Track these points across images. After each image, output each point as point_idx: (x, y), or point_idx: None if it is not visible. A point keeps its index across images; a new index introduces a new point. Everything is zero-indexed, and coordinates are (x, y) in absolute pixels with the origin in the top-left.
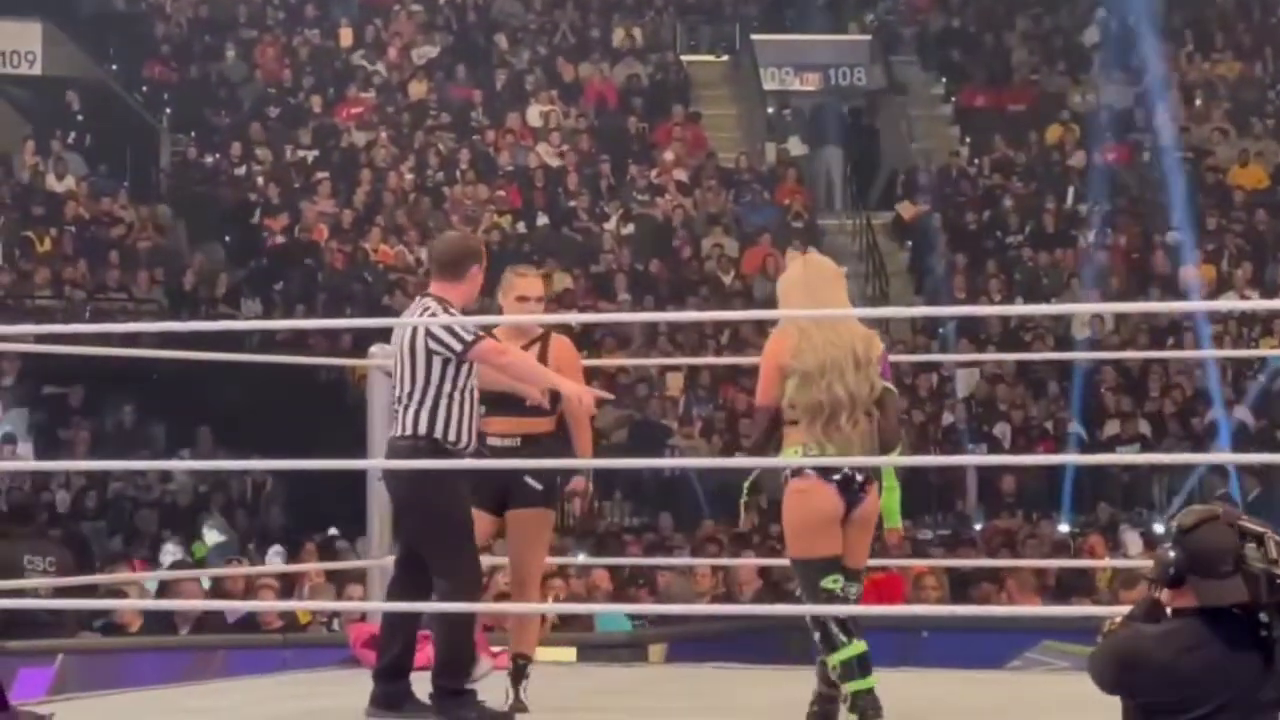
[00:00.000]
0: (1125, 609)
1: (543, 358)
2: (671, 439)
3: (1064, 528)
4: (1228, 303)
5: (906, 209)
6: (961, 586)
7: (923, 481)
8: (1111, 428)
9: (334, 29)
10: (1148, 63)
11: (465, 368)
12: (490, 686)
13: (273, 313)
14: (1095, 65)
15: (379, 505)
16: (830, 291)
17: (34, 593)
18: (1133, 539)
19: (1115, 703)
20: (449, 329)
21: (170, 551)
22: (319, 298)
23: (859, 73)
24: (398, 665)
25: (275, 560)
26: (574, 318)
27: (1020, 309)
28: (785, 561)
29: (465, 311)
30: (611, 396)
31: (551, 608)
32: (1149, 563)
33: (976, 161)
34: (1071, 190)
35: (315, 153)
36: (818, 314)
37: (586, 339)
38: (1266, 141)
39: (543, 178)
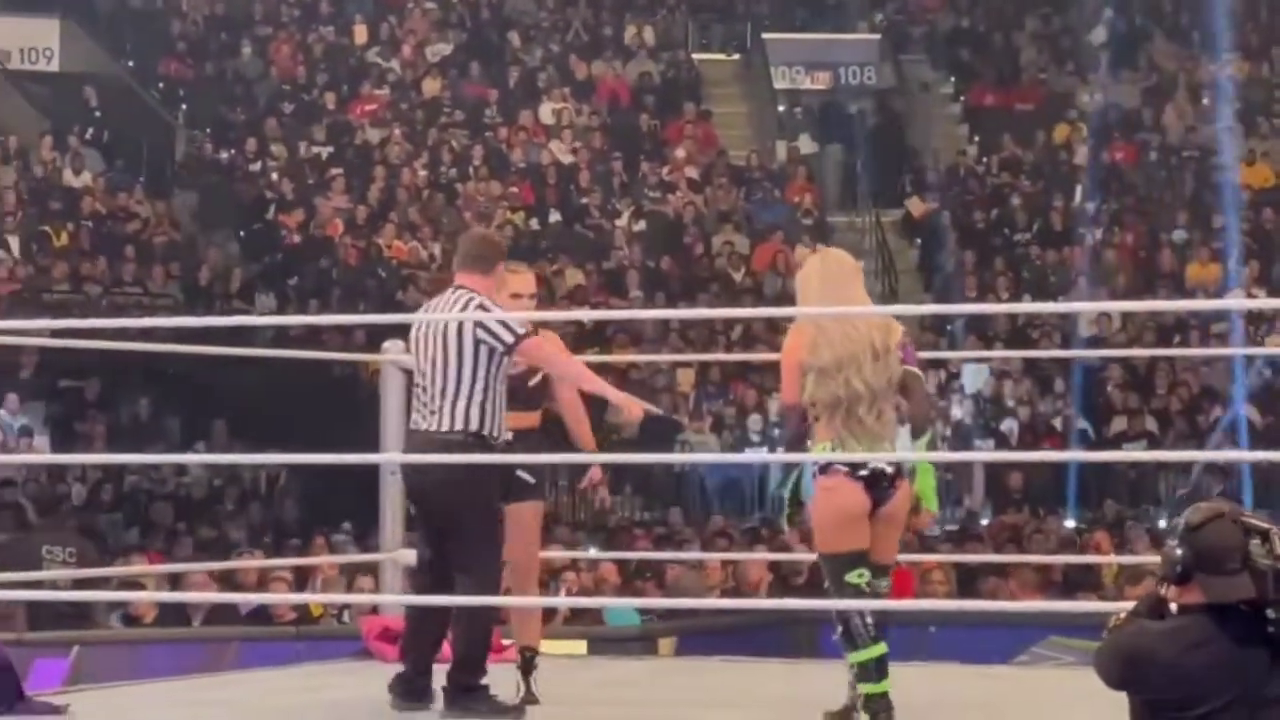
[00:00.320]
0: (1130, 605)
1: None
2: (682, 434)
3: (1070, 523)
4: (1233, 301)
5: (916, 206)
6: (969, 581)
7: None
8: (1119, 424)
9: (348, 26)
10: (1154, 62)
11: (506, 362)
12: (501, 680)
13: (287, 308)
14: (1103, 65)
15: (391, 499)
16: (848, 285)
17: (52, 584)
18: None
19: (1122, 698)
20: (501, 321)
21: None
22: (333, 293)
23: (869, 72)
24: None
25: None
26: (586, 314)
27: (1028, 306)
28: (793, 556)
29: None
30: (658, 411)
31: (564, 601)
32: (1155, 559)
33: (985, 160)
34: (1079, 189)
35: (330, 149)
36: (829, 311)
37: (598, 335)
38: (1273, 141)
39: (555, 174)
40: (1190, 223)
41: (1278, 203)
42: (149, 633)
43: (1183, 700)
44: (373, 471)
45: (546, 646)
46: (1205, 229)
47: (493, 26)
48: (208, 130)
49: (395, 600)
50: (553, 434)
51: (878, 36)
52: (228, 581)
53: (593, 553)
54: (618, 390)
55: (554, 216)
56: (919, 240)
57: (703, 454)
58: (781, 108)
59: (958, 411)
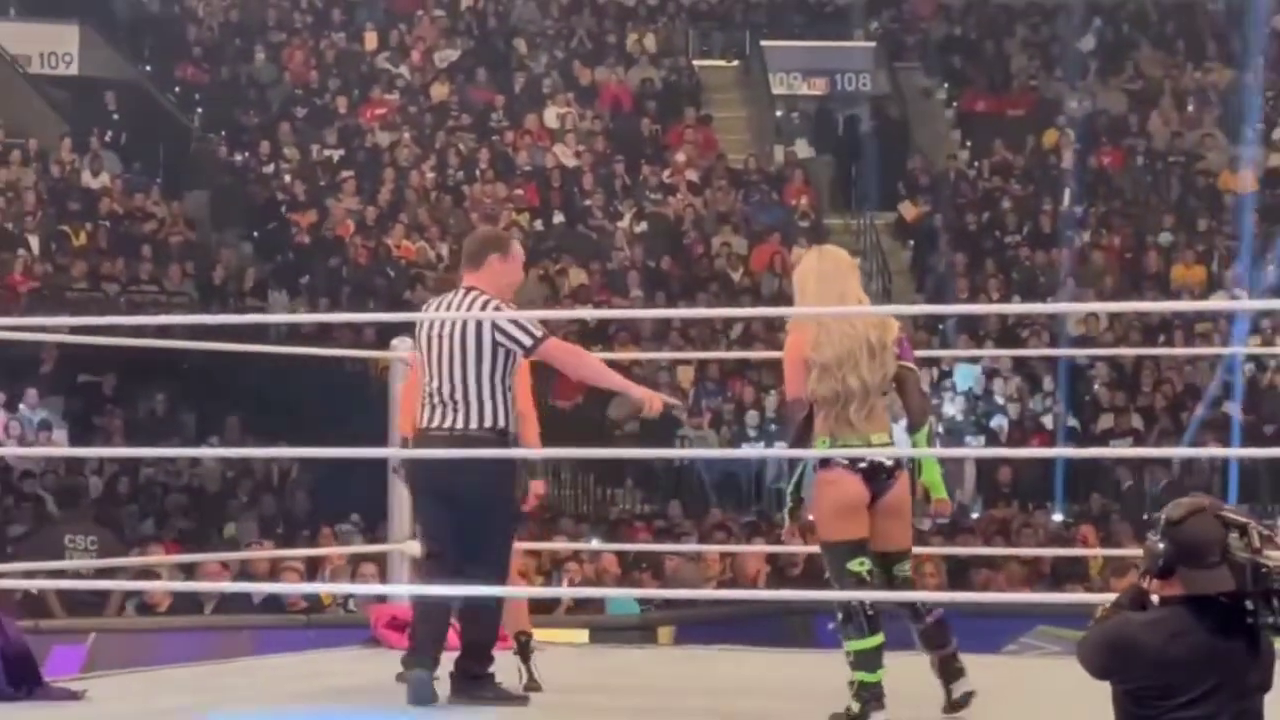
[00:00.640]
0: (1114, 596)
1: None
2: (681, 429)
3: (1058, 517)
4: (1216, 303)
5: (909, 210)
6: (960, 573)
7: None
8: (1105, 421)
9: (359, 33)
10: (1141, 70)
11: (517, 361)
12: (503, 668)
13: (299, 306)
14: (1091, 72)
15: (399, 492)
16: (844, 281)
17: (74, 572)
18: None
19: (1107, 686)
20: (516, 323)
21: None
22: (343, 292)
23: (864, 78)
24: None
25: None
26: (588, 313)
27: (1018, 307)
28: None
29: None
30: (677, 403)
31: (568, 592)
32: (1139, 552)
33: (976, 164)
34: (1067, 192)
35: (341, 152)
36: (825, 311)
37: (600, 333)
38: (1256, 147)
39: (559, 177)
40: (1175, 225)
41: (1259, 208)
42: (164, 621)
43: (1165, 689)
44: (381, 465)
45: (549, 635)
46: (1190, 232)
47: (499, 34)
48: (223, 133)
49: (404, 590)
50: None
51: (873, 44)
52: (240, 572)
53: (595, 544)
54: (638, 385)
55: (558, 218)
56: (912, 242)
57: (702, 449)
58: (779, 113)
59: (950, 409)
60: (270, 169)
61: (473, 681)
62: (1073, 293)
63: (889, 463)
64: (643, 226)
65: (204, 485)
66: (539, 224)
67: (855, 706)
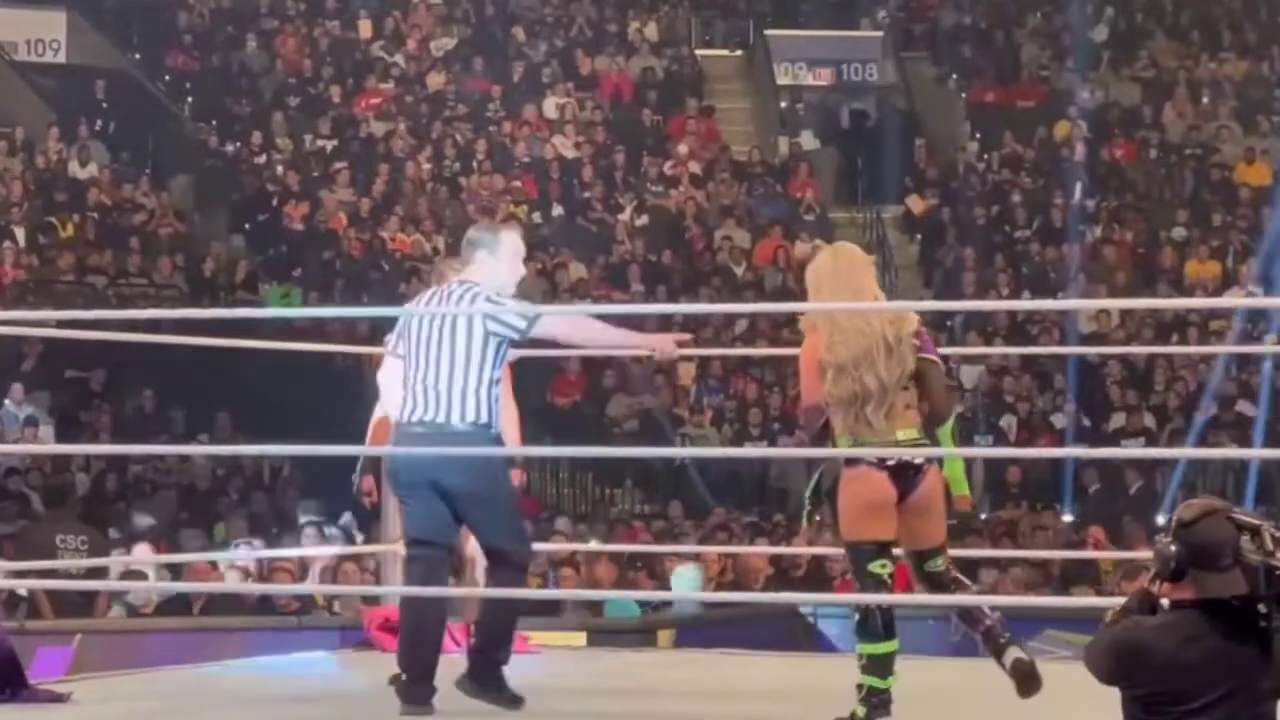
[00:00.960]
0: (1122, 600)
1: None
2: (682, 428)
3: (1068, 518)
4: (1231, 300)
5: (916, 203)
6: (967, 575)
7: None
8: (1117, 420)
9: (354, 20)
10: (1154, 60)
11: (506, 352)
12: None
13: (293, 299)
14: (1104, 63)
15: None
16: (860, 279)
17: (65, 572)
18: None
19: (1115, 692)
20: (507, 309)
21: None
22: (337, 285)
23: (871, 68)
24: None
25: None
26: (588, 308)
27: (1027, 303)
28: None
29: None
30: (689, 336)
31: (569, 594)
32: (1150, 554)
33: (986, 157)
34: (1079, 186)
35: (334, 142)
36: (830, 306)
37: None
38: (1272, 139)
39: (558, 169)
40: (1189, 220)
41: (1275, 201)
42: (151, 622)
43: (1177, 694)
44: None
45: (547, 638)
46: (1204, 226)
47: (497, 22)
48: (214, 123)
49: (397, 591)
50: None
51: (880, 33)
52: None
53: (593, 545)
54: (644, 335)
55: (557, 210)
56: (919, 236)
57: (703, 448)
58: (783, 103)
59: (957, 407)
60: (262, 159)
61: (491, 670)
62: (1084, 289)
63: (917, 460)
64: (644, 219)
65: (194, 483)
66: (538, 216)
67: (861, 711)
